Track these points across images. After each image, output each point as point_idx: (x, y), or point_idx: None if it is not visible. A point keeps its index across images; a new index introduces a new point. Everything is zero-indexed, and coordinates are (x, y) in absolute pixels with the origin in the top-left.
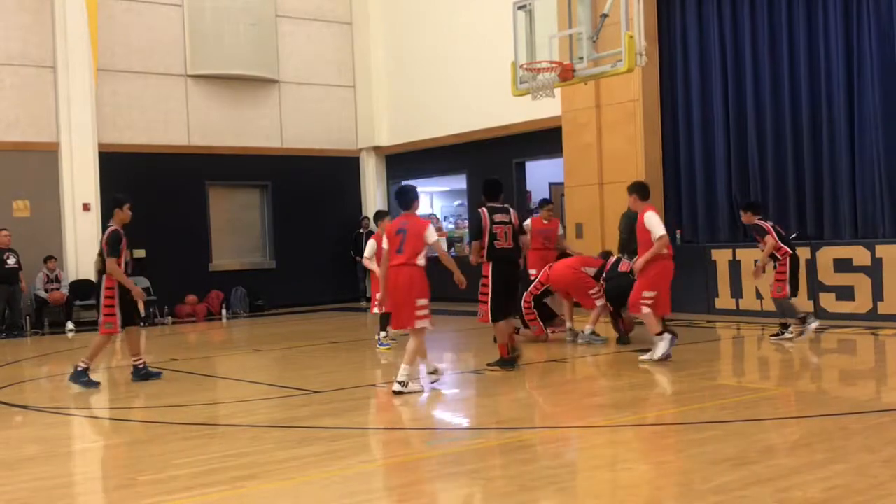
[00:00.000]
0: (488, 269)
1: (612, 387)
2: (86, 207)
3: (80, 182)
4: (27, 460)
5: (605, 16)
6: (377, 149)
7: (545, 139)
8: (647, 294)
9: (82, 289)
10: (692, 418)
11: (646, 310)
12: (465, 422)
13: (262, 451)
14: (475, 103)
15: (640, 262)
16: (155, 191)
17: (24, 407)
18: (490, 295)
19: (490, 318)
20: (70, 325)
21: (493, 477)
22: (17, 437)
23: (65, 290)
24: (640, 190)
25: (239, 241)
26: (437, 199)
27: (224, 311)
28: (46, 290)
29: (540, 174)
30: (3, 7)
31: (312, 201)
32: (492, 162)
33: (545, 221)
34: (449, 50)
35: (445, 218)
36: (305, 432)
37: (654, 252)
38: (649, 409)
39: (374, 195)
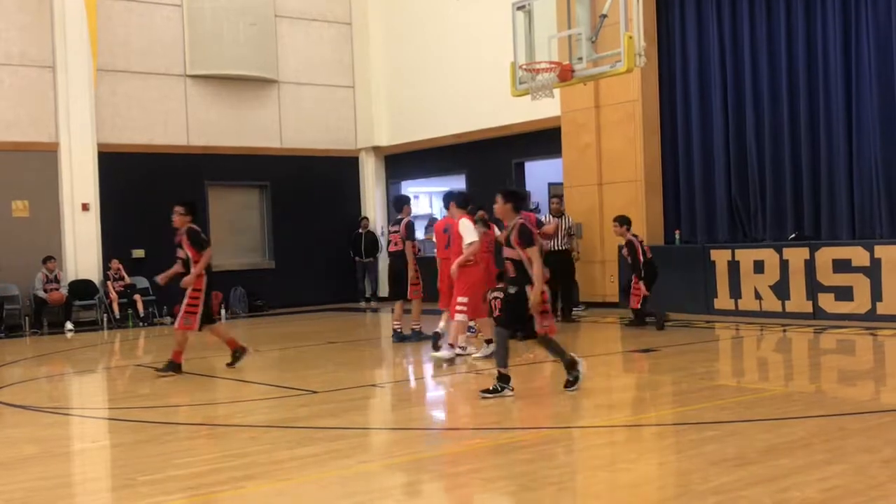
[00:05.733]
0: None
1: (612, 387)
2: (85, 207)
3: (80, 182)
4: (26, 460)
5: (605, 16)
6: (376, 149)
7: (544, 140)
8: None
9: (81, 289)
10: (692, 418)
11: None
12: (465, 422)
13: (262, 451)
14: (474, 104)
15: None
16: (154, 191)
17: (24, 407)
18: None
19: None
20: (69, 326)
21: (493, 477)
22: (16, 437)
23: (64, 291)
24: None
25: (238, 241)
26: (437, 199)
27: (223, 312)
28: (45, 291)
29: (539, 174)
30: (2, 7)
31: (312, 201)
32: (491, 162)
33: None
34: (448, 50)
35: None
36: (305, 432)
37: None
38: (649, 409)
39: (373, 195)
